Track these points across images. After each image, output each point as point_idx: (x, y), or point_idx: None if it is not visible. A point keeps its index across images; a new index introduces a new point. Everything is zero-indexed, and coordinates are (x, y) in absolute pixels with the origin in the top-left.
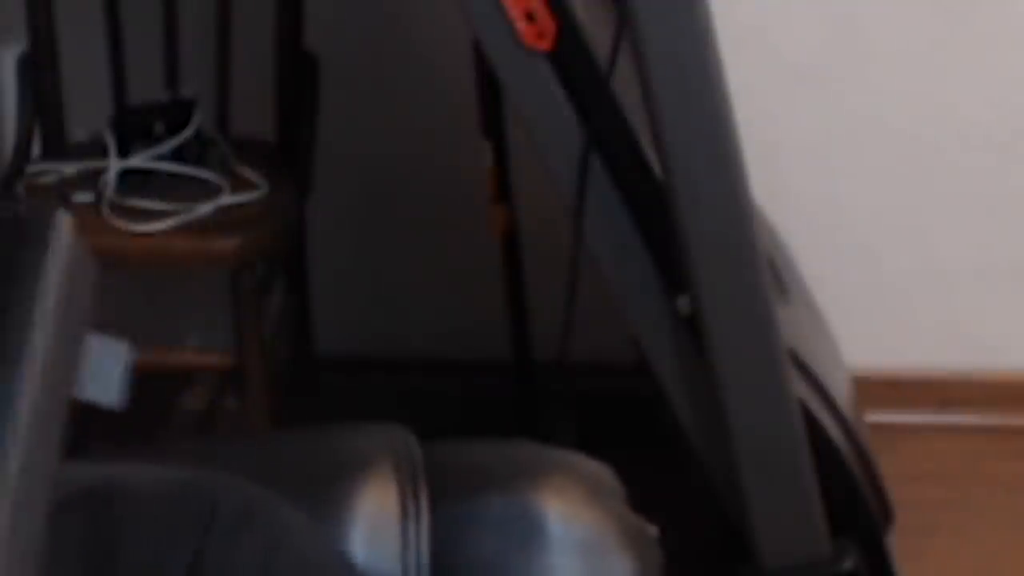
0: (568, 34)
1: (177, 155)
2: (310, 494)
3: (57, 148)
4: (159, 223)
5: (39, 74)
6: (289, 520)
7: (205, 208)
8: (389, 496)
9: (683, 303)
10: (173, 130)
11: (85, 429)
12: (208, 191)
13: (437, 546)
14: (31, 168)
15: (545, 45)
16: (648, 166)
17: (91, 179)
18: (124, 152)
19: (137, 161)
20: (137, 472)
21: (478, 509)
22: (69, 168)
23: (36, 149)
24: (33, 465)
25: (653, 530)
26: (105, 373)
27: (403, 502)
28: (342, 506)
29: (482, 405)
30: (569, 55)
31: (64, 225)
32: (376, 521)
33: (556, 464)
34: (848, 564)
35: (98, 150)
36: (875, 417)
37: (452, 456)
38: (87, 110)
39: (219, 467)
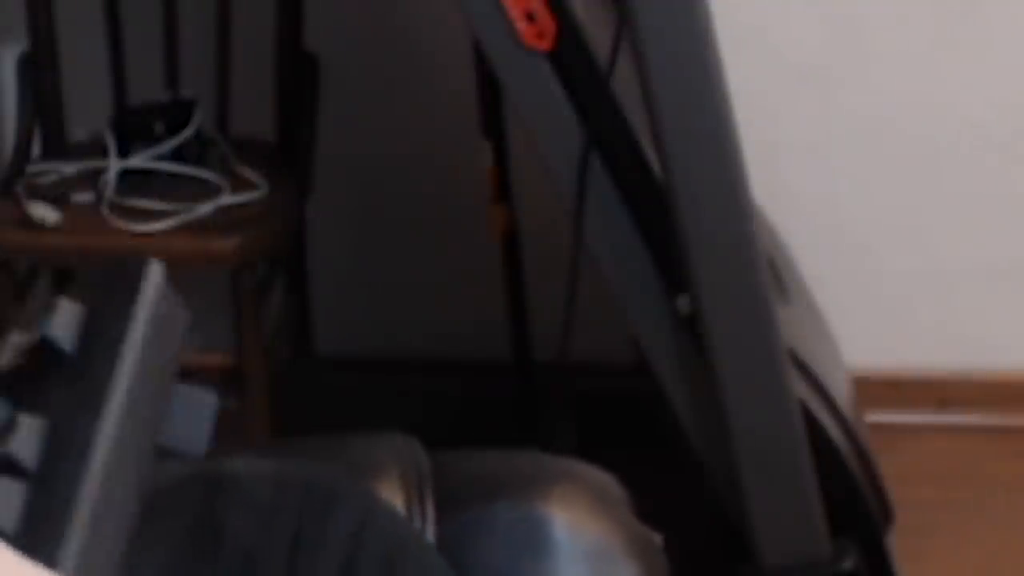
0: (568, 34)
1: (177, 155)
2: None
3: (57, 148)
4: (159, 223)
5: (39, 74)
6: (373, 499)
7: (205, 208)
8: (396, 505)
9: (683, 303)
10: (173, 130)
11: None
12: (208, 191)
13: (444, 555)
14: (31, 168)
15: (545, 45)
16: (648, 166)
17: (91, 179)
18: (124, 152)
19: (137, 161)
20: (234, 460)
21: (485, 518)
22: (69, 168)
23: (36, 149)
24: (110, 505)
25: (658, 538)
26: (191, 422)
27: (409, 510)
28: None
29: (482, 405)
30: (569, 55)
31: (154, 275)
32: None
33: (562, 473)
34: (848, 564)
35: (98, 150)
36: (875, 417)
37: (459, 465)
38: (87, 110)
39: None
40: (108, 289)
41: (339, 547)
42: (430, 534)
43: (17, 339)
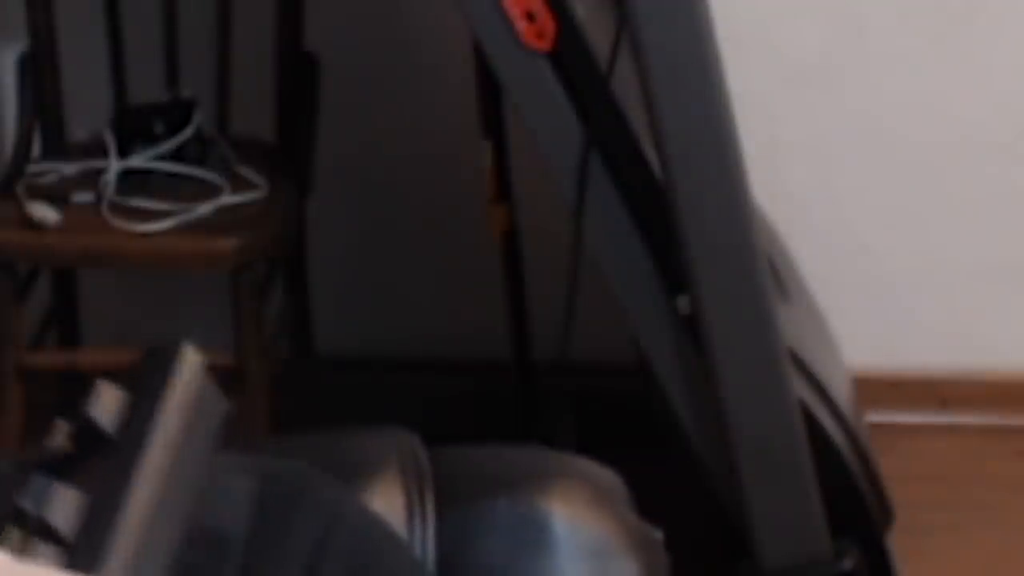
0: (568, 34)
1: (177, 155)
2: None
3: (57, 148)
4: (159, 223)
5: (39, 74)
6: (342, 499)
7: (205, 208)
8: (395, 500)
9: (683, 303)
10: (173, 130)
11: None
12: (208, 191)
13: (444, 550)
14: (31, 168)
15: (545, 45)
16: (648, 166)
17: (91, 179)
18: (124, 152)
19: (137, 161)
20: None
21: (485, 514)
22: (69, 168)
23: (36, 149)
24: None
25: (659, 535)
26: (231, 502)
27: (409, 506)
28: None
29: (482, 405)
30: (569, 55)
31: (190, 361)
32: None
33: (562, 469)
34: (848, 564)
35: (98, 150)
36: (875, 417)
37: (459, 461)
38: (87, 110)
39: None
40: (148, 375)
41: (299, 555)
42: (430, 530)
43: (63, 424)
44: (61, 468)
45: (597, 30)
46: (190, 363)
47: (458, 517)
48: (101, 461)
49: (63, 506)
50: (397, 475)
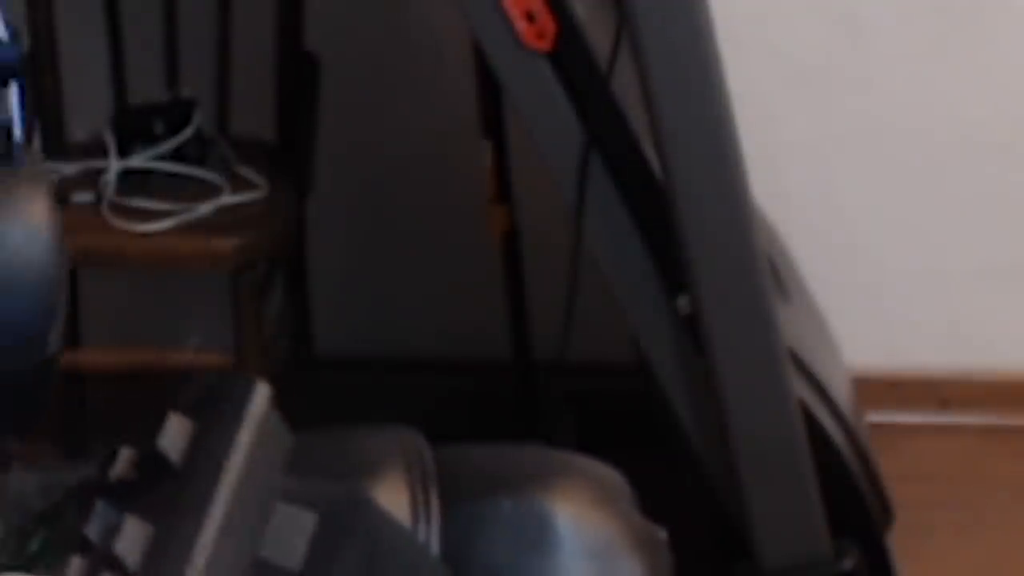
0: (568, 34)
1: (177, 155)
2: None
3: (57, 148)
4: (159, 223)
5: (39, 74)
6: (394, 533)
7: (205, 208)
8: (400, 498)
9: (683, 303)
10: (173, 130)
11: (83, 429)
12: (208, 191)
13: (447, 548)
14: None
15: (545, 45)
16: (648, 166)
17: (91, 179)
18: (124, 152)
19: (137, 161)
20: None
21: (489, 512)
22: (69, 168)
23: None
24: None
25: (663, 534)
26: (288, 539)
27: (414, 504)
28: None
29: (482, 405)
30: (569, 55)
31: (261, 395)
32: None
33: (566, 468)
34: (848, 564)
35: (98, 150)
36: (875, 417)
37: (463, 459)
38: (87, 110)
39: None
40: (217, 406)
41: None
42: (435, 528)
43: (128, 452)
44: (126, 497)
45: (597, 30)
46: (261, 395)
47: (462, 515)
48: (168, 493)
49: (130, 537)
50: (402, 473)
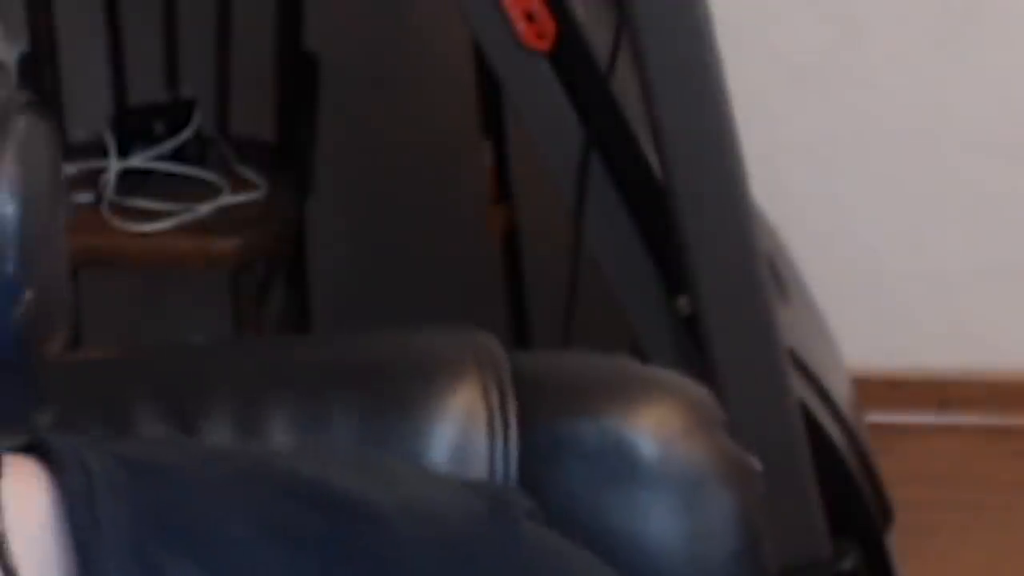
0: (568, 34)
1: (177, 155)
2: (387, 395)
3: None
4: (159, 223)
5: (39, 74)
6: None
7: (205, 208)
8: (476, 409)
9: (683, 303)
10: (173, 130)
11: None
12: (208, 191)
13: (524, 473)
14: None
15: (545, 45)
16: (648, 166)
17: (91, 179)
18: (124, 152)
19: (137, 161)
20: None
21: (567, 435)
22: (69, 168)
23: None
24: None
25: (756, 463)
26: None
27: (491, 420)
28: (425, 410)
29: None
30: (569, 55)
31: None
32: (463, 436)
33: (656, 388)
34: (848, 564)
35: (98, 150)
36: (875, 417)
37: (542, 371)
38: (87, 110)
39: (273, 374)
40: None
41: None
42: (513, 447)
43: None
44: None
45: (597, 30)
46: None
47: (538, 435)
48: None
49: None
50: (477, 383)
